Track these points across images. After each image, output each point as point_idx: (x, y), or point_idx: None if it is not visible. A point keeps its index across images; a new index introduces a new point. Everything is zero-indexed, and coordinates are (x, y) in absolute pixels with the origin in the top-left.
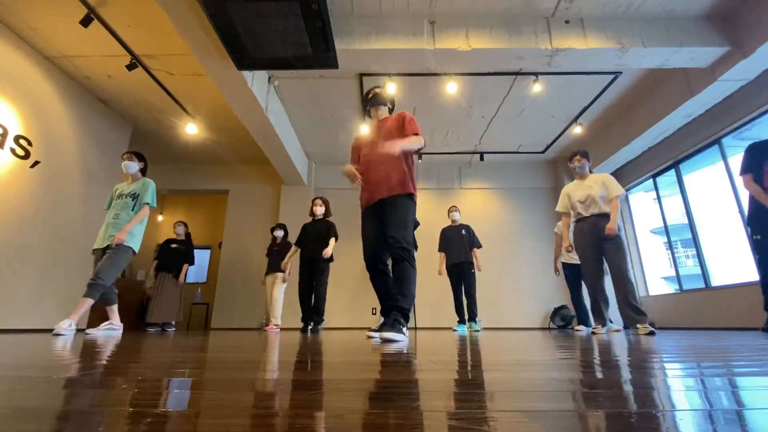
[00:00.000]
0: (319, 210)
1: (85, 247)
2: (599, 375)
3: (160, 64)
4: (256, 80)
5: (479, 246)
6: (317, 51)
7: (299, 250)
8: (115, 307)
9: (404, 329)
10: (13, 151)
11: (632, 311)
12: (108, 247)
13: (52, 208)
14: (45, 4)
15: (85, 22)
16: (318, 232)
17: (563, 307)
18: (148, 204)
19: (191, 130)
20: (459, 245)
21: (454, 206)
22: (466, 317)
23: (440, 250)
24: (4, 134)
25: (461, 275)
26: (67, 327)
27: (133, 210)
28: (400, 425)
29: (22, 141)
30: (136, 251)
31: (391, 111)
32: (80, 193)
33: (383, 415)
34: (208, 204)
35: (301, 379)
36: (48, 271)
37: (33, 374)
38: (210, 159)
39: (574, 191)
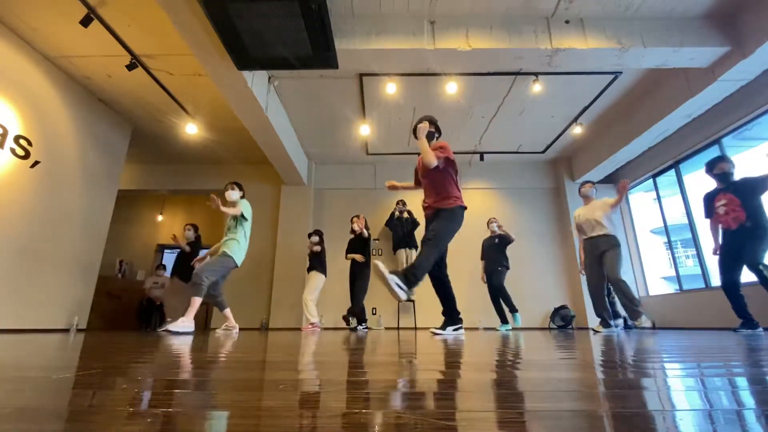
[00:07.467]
0: (356, 226)
1: (85, 246)
2: (599, 375)
3: (160, 64)
4: (256, 80)
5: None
6: (317, 51)
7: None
8: (227, 311)
9: (405, 287)
10: (13, 151)
11: (626, 309)
12: None
13: (52, 208)
14: (45, 4)
15: (85, 22)
16: (354, 244)
17: (563, 307)
18: (243, 216)
19: (191, 130)
20: (493, 254)
21: (494, 218)
22: (506, 313)
23: (482, 258)
24: (4, 134)
25: (491, 278)
26: (181, 325)
27: (236, 228)
28: (400, 425)
29: (22, 141)
30: (238, 263)
31: (437, 137)
32: (80, 193)
33: (383, 415)
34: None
35: (298, 379)
36: (47, 271)
37: (37, 374)
38: (210, 159)
39: (582, 215)
